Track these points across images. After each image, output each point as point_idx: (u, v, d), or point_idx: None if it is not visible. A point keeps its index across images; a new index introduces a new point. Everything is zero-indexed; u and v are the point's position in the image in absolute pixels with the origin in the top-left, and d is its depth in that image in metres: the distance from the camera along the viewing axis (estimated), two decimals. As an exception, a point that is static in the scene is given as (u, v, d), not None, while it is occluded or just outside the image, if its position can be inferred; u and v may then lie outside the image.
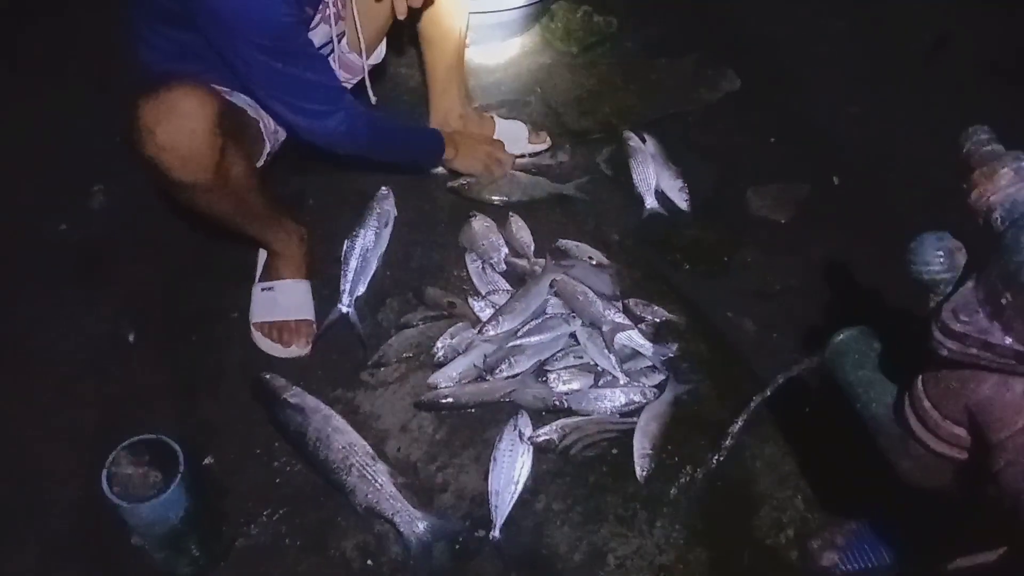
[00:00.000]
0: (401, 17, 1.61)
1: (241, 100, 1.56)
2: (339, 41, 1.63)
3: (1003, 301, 0.70)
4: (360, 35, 1.61)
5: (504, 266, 1.82)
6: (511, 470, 1.52)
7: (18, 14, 2.32)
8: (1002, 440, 0.74)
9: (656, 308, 1.76)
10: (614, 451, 1.59)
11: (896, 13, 2.38)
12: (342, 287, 1.75)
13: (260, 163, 1.65)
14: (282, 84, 1.46)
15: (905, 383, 0.89)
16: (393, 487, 1.48)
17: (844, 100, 2.20)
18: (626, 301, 1.76)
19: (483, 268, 1.80)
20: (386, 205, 1.86)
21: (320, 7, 1.52)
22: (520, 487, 1.52)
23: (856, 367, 0.98)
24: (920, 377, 0.86)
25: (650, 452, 1.56)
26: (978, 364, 0.74)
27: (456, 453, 1.58)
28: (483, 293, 1.76)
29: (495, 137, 2.01)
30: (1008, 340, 0.71)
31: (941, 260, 0.80)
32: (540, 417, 1.61)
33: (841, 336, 1.04)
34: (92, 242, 1.87)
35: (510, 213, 1.89)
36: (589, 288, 1.73)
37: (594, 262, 1.83)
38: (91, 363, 1.68)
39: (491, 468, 1.52)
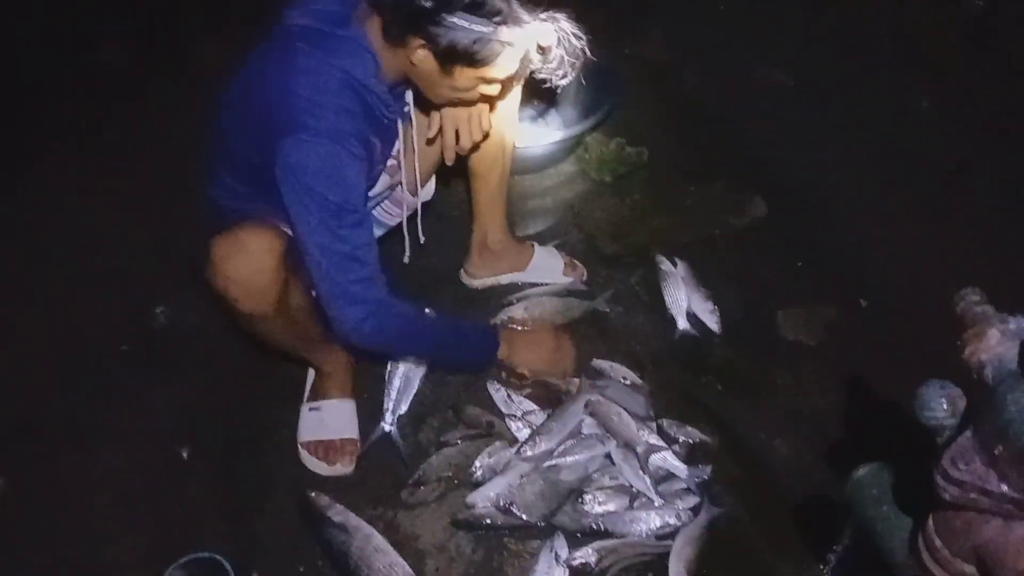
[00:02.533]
0: (449, 163, 1.73)
1: None
2: (400, 185, 1.76)
3: (996, 452, 0.75)
4: (418, 179, 1.74)
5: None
6: (548, 592, 1.54)
7: (89, 123, 2.50)
8: (1007, 580, 0.78)
9: (690, 429, 1.81)
10: (650, 574, 1.61)
11: (917, 141, 2.48)
12: (385, 406, 1.83)
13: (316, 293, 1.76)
14: (326, 250, 1.43)
15: (919, 520, 0.93)
16: (432, 608, 1.51)
17: (868, 225, 2.27)
18: (660, 422, 1.81)
19: (507, 395, 1.85)
20: (429, 327, 1.94)
21: (388, 162, 1.66)
22: (557, 610, 1.53)
23: (875, 502, 1.02)
24: (931, 516, 0.90)
25: (686, 576, 1.58)
26: (979, 508, 0.78)
27: (493, 574, 1.61)
28: (518, 415, 1.82)
29: (532, 266, 2.11)
30: (1004, 487, 0.75)
31: (944, 407, 0.85)
32: (576, 539, 1.63)
33: (860, 472, 1.08)
34: (150, 361, 1.97)
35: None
36: (624, 408, 1.77)
37: (628, 382, 1.89)
38: (146, 479, 1.76)
39: (528, 590, 1.55)
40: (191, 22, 2.87)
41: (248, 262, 1.42)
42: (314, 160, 1.37)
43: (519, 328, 1.97)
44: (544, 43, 1.38)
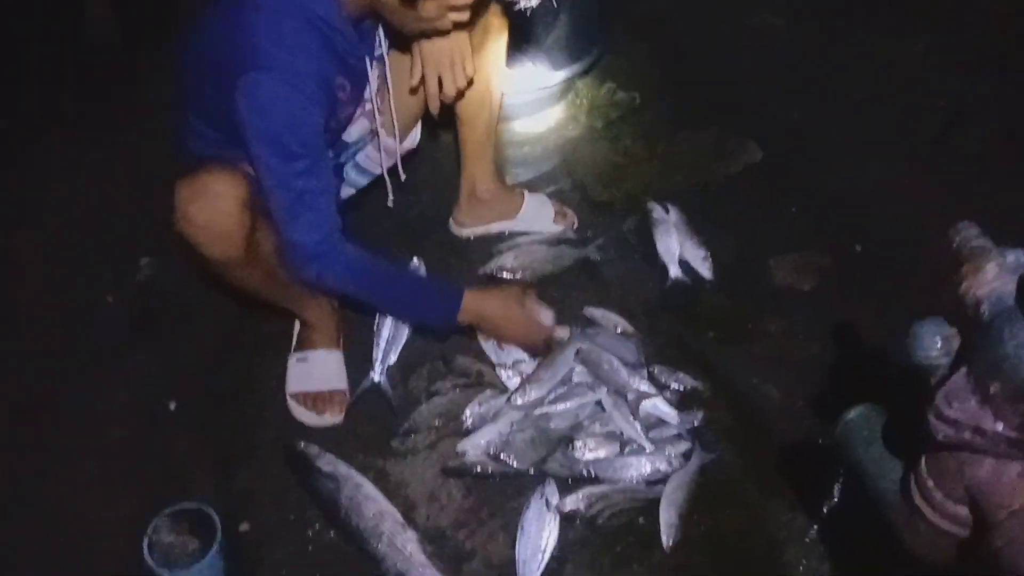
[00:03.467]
0: (435, 114, 1.68)
1: None
2: (380, 130, 1.72)
3: (991, 390, 0.73)
4: (396, 123, 1.70)
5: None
6: (538, 539, 1.54)
7: (81, 83, 2.46)
8: (1000, 521, 0.77)
9: (681, 375, 1.79)
10: (640, 520, 1.61)
11: (913, 84, 2.44)
12: (374, 356, 1.81)
13: None
14: (281, 191, 1.43)
15: (910, 462, 0.92)
16: (422, 555, 1.51)
17: (863, 170, 2.24)
18: (651, 369, 1.79)
19: (497, 344, 1.81)
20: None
21: (360, 105, 1.61)
22: (547, 556, 1.54)
23: (866, 445, 1.01)
24: (923, 457, 0.89)
25: (676, 522, 1.57)
26: (973, 448, 0.77)
27: (484, 521, 1.61)
28: (508, 364, 1.80)
29: (521, 214, 2.07)
30: (999, 426, 0.74)
31: (939, 346, 0.83)
32: (567, 485, 1.63)
33: (851, 414, 1.07)
34: (137, 314, 1.95)
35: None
36: (615, 356, 1.76)
37: (619, 330, 1.87)
38: (133, 431, 1.75)
39: (519, 536, 1.55)
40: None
41: (211, 205, 1.39)
42: (267, 101, 1.35)
43: (495, 291, 1.81)
44: None
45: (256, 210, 1.45)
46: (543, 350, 1.78)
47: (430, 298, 1.71)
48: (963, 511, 0.85)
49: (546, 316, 1.79)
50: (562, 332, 1.83)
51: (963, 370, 0.77)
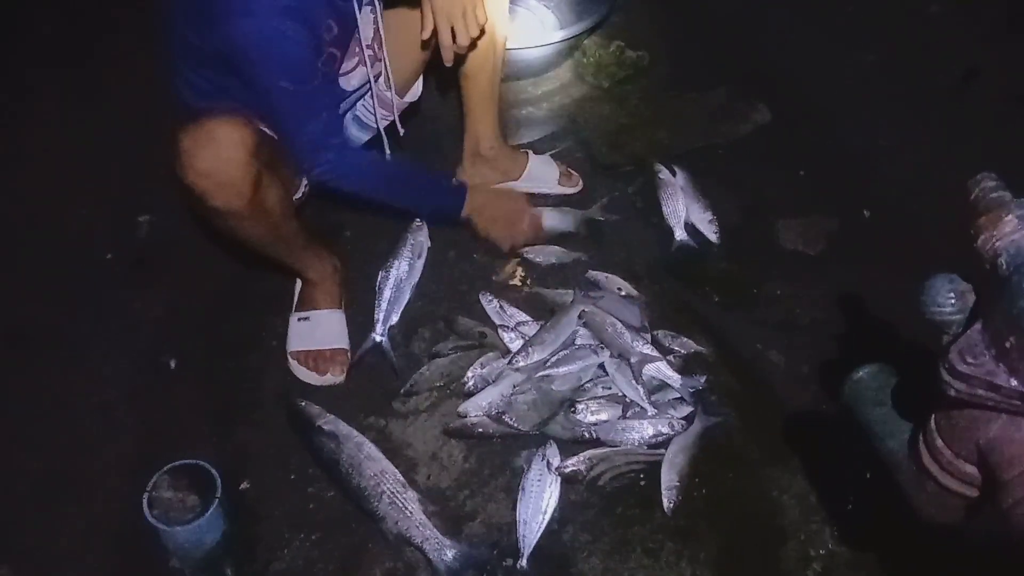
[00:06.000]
0: (448, 64, 1.64)
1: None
2: (376, 80, 1.69)
3: (1007, 344, 0.71)
4: (390, 74, 1.67)
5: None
6: (539, 500, 1.54)
7: (69, 40, 2.43)
8: (1011, 479, 0.76)
9: (685, 340, 1.78)
10: (642, 483, 1.60)
11: (925, 46, 2.39)
12: (376, 316, 1.80)
13: (298, 195, 1.71)
14: (286, 104, 1.49)
15: (920, 421, 0.90)
16: (423, 515, 1.51)
17: (874, 133, 2.21)
18: (655, 333, 1.78)
19: (499, 306, 1.82)
20: (420, 237, 1.90)
21: (355, 51, 1.58)
22: (548, 517, 1.53)
23: (874, 404, 1.00)
24: (933, 416, 0.87)
25: (677, 484, 1.57)
26: (986, 405, 0.75)
27: (485, 482, 1.60)
28: (511, 326, 1.79)
29: (526, 175, 2.05)
30: (1014, 382, 0.72)
31: (952, 301, 0.82)
32: (568, 447, 1.62)
33: (859, 373, 1.05)
34: (136, 270, 1.94)
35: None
36: (618, 319, 1.75)
37: (623, 293, 1.86)
38: (133, 389, 1.74)
39: (519, 497, 1.55)
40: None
41: (218, 154, 1.36)
42: (255, 45, 1.37)
43: (491, 189, 1.96)
44: None
45: (262, 159, 1.43)
46: (530, 237, 1.91)
47: (439, 191, 1.84)
48: (972, 470, 0.84)
49: (548, 216, 1.96)
50: (550, 220, 1.88)
51: (978, 325, 0.76)
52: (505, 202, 1.91)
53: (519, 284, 1.90)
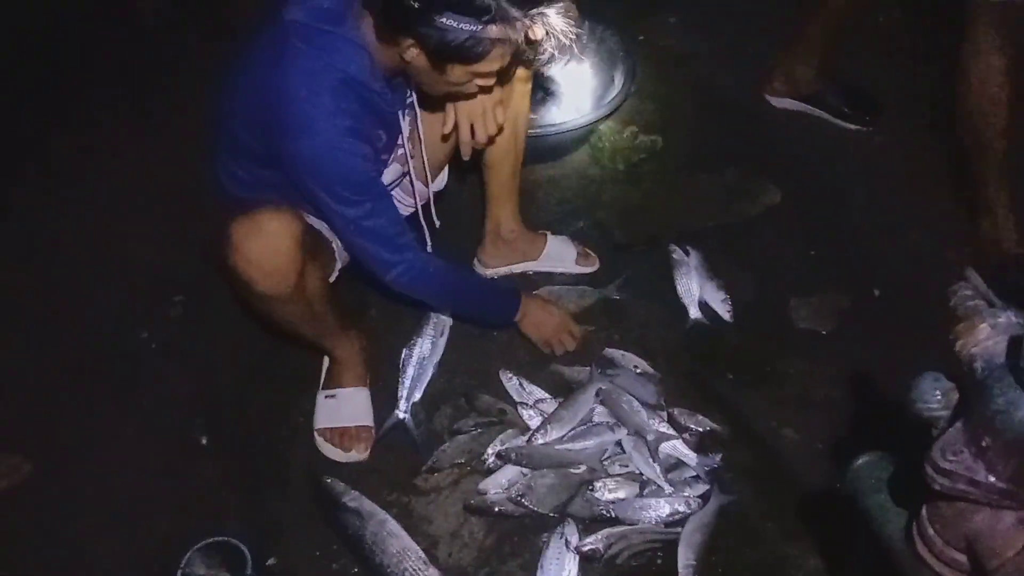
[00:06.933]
0: (466, 158, 1.75)
1: (317, 222, 1.71)
2: (411, 174, 1.79)
3: (984, 443, 0.77)
4: (428, 171, 1.77)
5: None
6: (558, 578, 1.57)
7: (110, 127, 2.54)
8: (994, 569, 0.80)
9: (700, 417, 1.82)
10: (659, 561, 1.63)
11: (937, 126, 2.45)
12: (400, 393, 1.86)
13: (332, 278, 1.79)
14: (352, 231, 1.58)
15: (914, 510, 0.95)
16: (444, 593, 1.54)
17: (882, 211, 2.27)
18: (671, 410, 1.82)
19: (519, 383, 1.88)
20: (442, 316, 1.97)
21: (395, 150, 1.69)
22: (566, 595, 1.56)
23: (873, 491, 1.04)
24: (925, 506, 0.92)
25: (694, 563, 1.59)
26: (968, 498, 0.80)
27: (504, 560, 1.64)
28: (530, 403, 1.84)
29: (544, 255, 2.13)
30: (991, 478, 0.77)
31: (938, 399, 0.87)
32: (586, 525, 1.66)
33: (859, 461, 1.10)
34: (169, 350, 2.02)
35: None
36: (634, 397, 1.79)
37: (639, 371, 1.90)
38: (165, 465, 1.80)
39: (538, 576, 1.58)
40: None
41: (267, 243, 1.45)
42: (321, 163, 1.46)
43: (535, 296, 2.02)
44: (533, 36, 1.39)
45: (305, 247, 1.52)
46: (568, 341, 1.96)
47: (496, 300, 1.96)
48: (963, 558, 0.88)
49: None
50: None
51: (959, 424, 0.81)
52: (551, 314, 1.97)
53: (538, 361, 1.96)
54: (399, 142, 1.68)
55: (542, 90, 2.40)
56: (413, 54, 1.41)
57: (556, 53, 1.43)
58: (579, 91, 2.44)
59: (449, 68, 1.42)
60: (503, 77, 1.58)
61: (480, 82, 1.49)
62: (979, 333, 0.82)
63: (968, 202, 2.15)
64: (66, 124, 2.54)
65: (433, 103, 1.68)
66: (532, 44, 1.40)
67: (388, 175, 1.72)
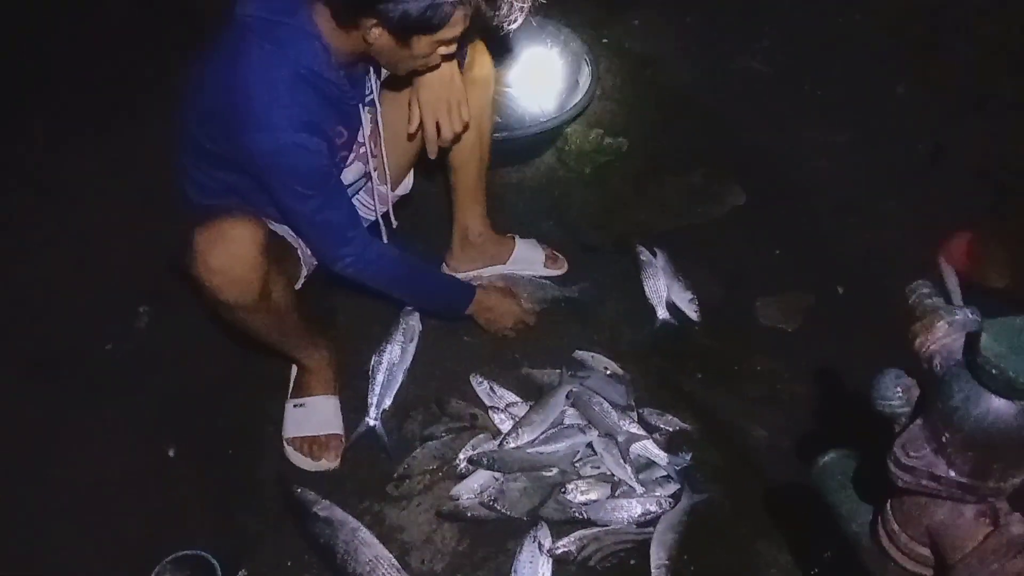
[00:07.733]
0: (432, 157, 1.75)
1: (281, 228, 1.70)
2: (373, 175, 1.78)
3: (944, 439, 0.79)
4: (387, 169, 1.76)
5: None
6: (531, 582, 1.57)
7: (73, 136, 2.50)
8: (955, 563, 0.82)
9: (670, 417, 1.84)
10: (632, 561, 1.64)
11: (894, 127, 2.51)
12: (369, 401, 1.85)
13: (298, 286, 1.78)
14: (304, 223, 1.60)
15: (879, 505, 0.97)
16: (417, 599, 1.54)
17: (845, 211, 2.30)
18: (640, 411, 1.84)
19: (490, 387, 1.88)
20: (412, 321, 1.96)
21: (355, 147, 1.68)
22: (540, 599, 1.56)
23: (839, 488, 1.06)
24: (889, 501, 0.94)
25: (667, 562, 1.61)
26: (930, 493, 0.82)
27: (478, 565, 1.64)
28: (501, 407, 1.84)
29: (513, 258, 2.13)
30: (952, 473, 0.79)
31: (900, 395, 0.89)
32: (559, 527, 1.66)
33: (825, 458, 1.12)
34: (135, 361, 1.98)
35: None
36: (605, 398, 1.81)
37: (609, 372, 1.91)
38: (133, 477, 1.77)
39: (512, 580, 1.58)
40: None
41: (231, 252, 1.44)
42: (275, 158, 1.45)
43: (492, 287, 2.05)
44: None
45: (270, 255, 1.51)
46: (523, 326, 2.00)
47: (449, 291, 1.95)
48: (926, 552, 0.90)
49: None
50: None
51: (919, 420, 0.83)
52: (501, 299, 2.00)
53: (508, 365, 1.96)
54: (359, 139, 1.67)
55: (507, 93, 2.40)
56: (376, 34, 1.41)
57: (515, 5, 1.44)
58: (544, 94, 2.45)
59: (414, 41, 1.43)
60: (464, 40, 1.59)
61: (443, 50, 1.50)
62: (937, 330, 0.83)
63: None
64: (29, 132, 2.49)
65: (396, 102, 1.68)
66: (491, 2, 1.41)
67: (350, 174, 1.72)
